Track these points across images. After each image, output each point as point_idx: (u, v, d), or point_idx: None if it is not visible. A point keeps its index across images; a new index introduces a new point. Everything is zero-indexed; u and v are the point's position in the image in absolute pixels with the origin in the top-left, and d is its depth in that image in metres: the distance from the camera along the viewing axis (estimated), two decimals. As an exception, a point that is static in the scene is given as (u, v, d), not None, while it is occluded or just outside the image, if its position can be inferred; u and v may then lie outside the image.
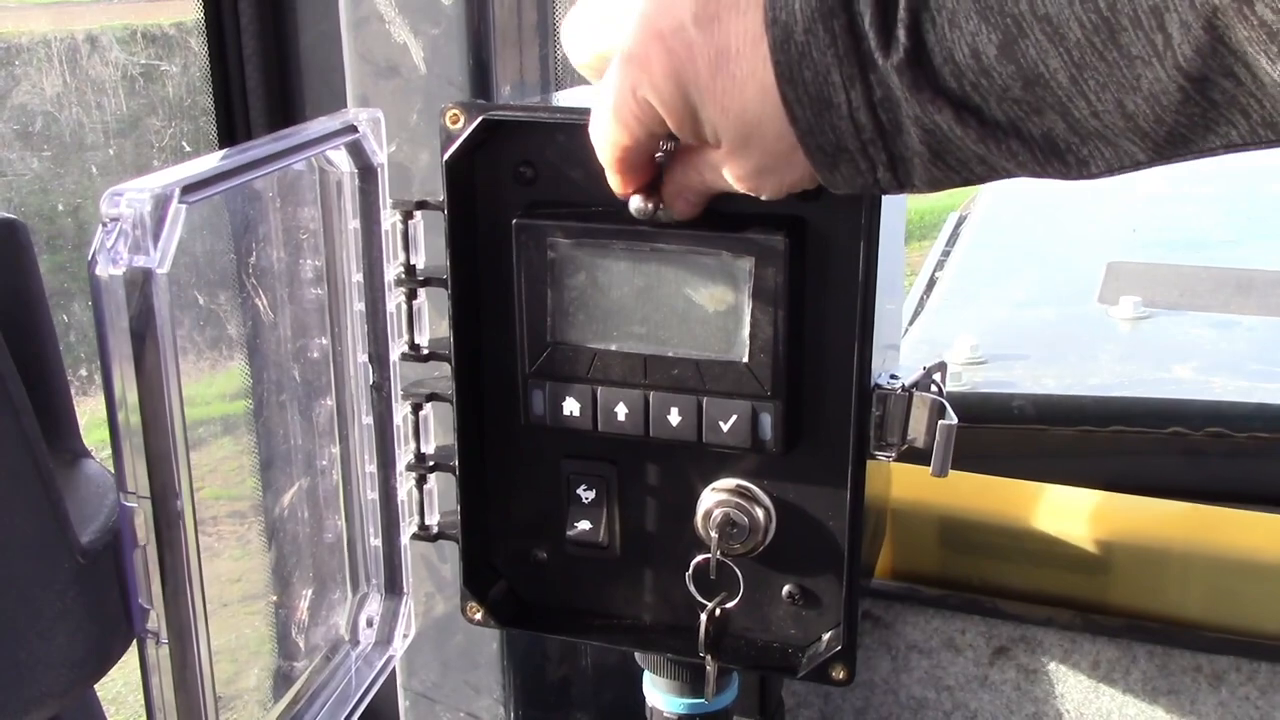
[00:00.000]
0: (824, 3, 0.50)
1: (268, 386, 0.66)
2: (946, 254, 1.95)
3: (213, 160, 0.54)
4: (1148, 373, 1.29)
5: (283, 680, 0.69)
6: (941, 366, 0.70)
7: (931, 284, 1.85)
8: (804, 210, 0.65)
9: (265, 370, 0.66)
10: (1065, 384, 1.24)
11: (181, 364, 0.51)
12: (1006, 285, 1.61)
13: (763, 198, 0.58)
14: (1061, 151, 0.49)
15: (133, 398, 0.49)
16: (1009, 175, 0.51)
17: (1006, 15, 0.46)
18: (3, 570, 0.47)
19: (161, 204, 0.48)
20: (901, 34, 0.48)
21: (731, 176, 0.58)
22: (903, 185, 0.53)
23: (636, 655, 0.78)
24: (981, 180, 0.53)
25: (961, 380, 1.23)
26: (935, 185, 0.53)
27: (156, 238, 0.48)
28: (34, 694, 0.49)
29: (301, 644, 0.70)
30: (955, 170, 0.51)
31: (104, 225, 0.48)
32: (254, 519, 0.70)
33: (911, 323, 1.51)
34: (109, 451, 0.52)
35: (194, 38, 0.90)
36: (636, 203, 0.63)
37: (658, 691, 0.79)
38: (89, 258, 0.49)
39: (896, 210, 0.69)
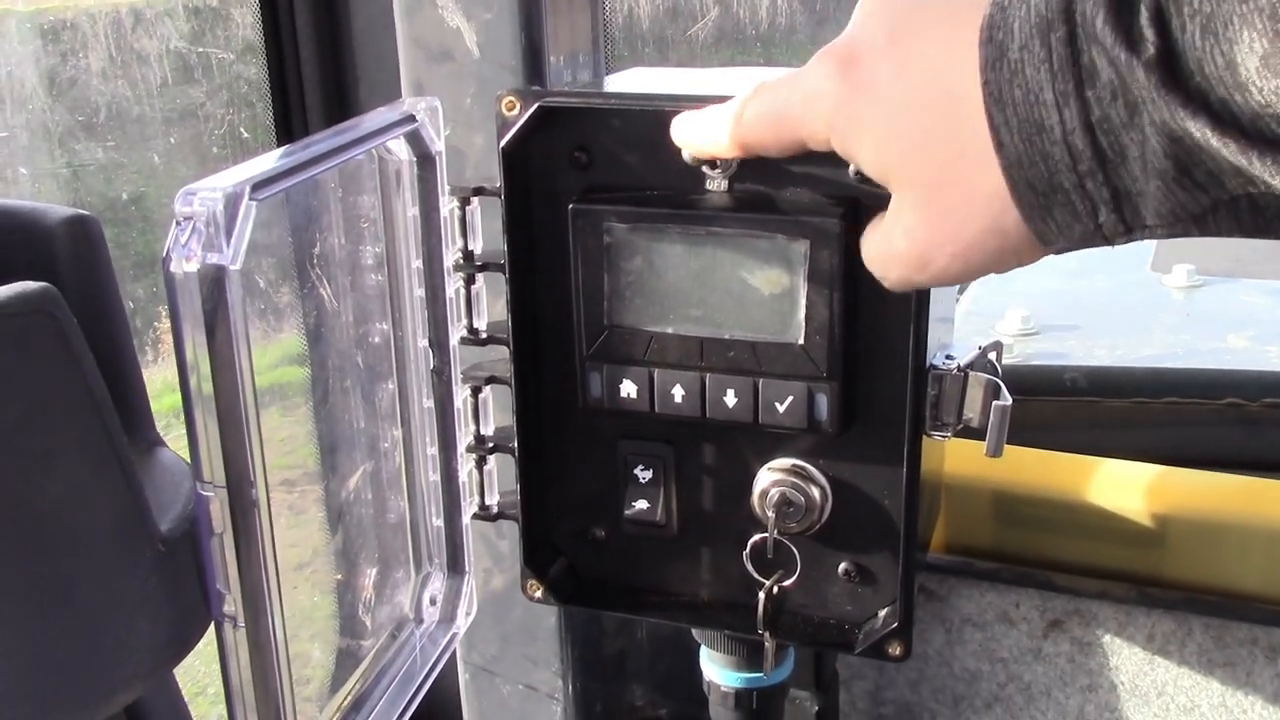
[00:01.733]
0: (1042, 16, 0.45)
1: (332, 372, 0.68)
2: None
3: (278, 156, 0.55)
4: (1202, 342, 1.28)
5: (350, 659, 0.71)
6: (997, 345, 0.70)
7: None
8: (859, 192, 0.65)
9: (329, 357, 0.67)
10: (1118, 355, 1.23)
11: (252, 352, 0.52)
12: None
13: (921, 275, 0.52)
14: None
15: (208, 391, 0.50)
16: (1271, 193, 0.43)
17: (1277, 19, 0.39)
18: (90, 560, 0.49)
19: (233, 202, 0.49)
20: (1149, 34, 0.42)
21: (900, 237, 0.52)
22: (1131, 229, 0.46)
23: (694, 631, 0.79)
24: (1232, 209, 0.44)
25: (1013, 352, 1.23)
26: (1172, 221, 0.45)
27: (229, 235, 0.49)
28: (120, 678, 0.51)
29: (368, 623, 0.72)
30: (1204, 189, 0.44)
31: (178, 223, 0.49)
32: (307, 486, 0.71)
33: (961, 294, 1.50)
34: (179, 429, 0.54)
35: (249, 18, 0.91)
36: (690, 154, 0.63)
37: (715, 666, 0.80)
38: (163, 254, 0.50)
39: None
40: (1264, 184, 0.43)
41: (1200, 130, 0.42)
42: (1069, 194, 0.46)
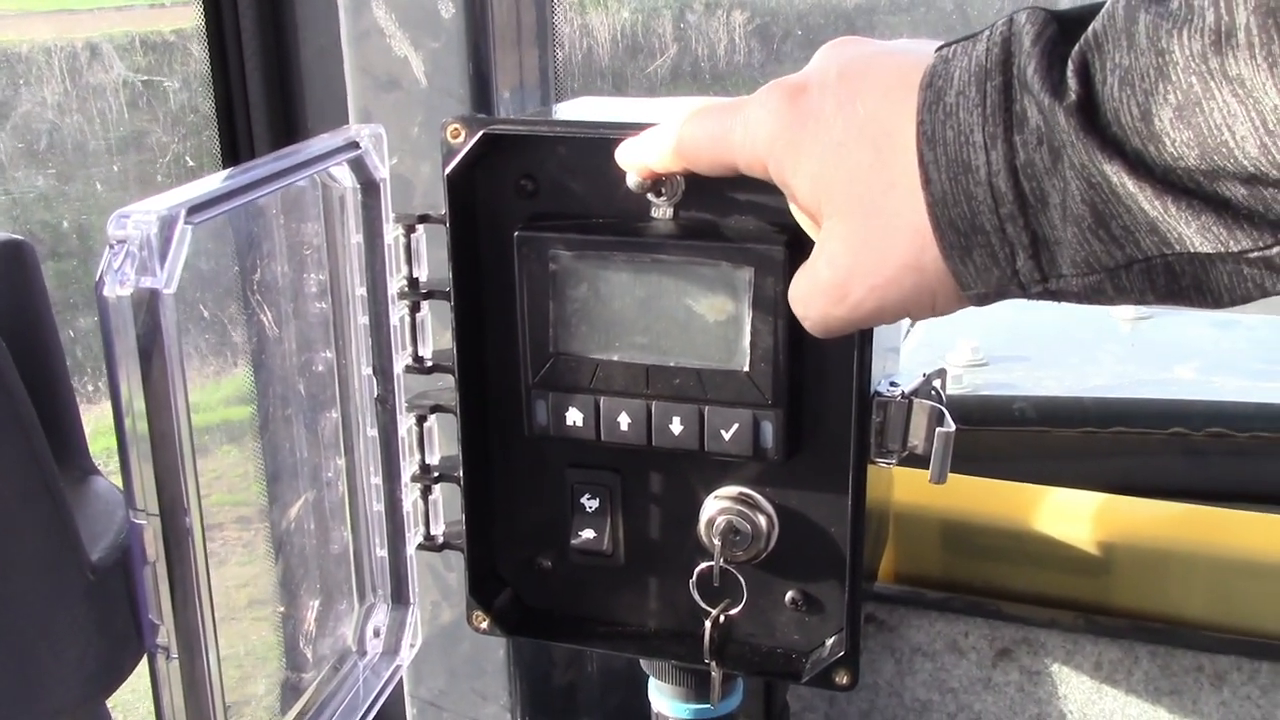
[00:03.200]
0: (981, 66, 0.47)
1: (273, 400, 0.67)
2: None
3: (217, 180, 0.55)
4: (1149, 373, 1.29)
5: (291, 691, 0.69)
6: (941, 373, 0.71)
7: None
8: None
9: (271, 384, 0.67)
10: (1067, 385, 1.24)
11: (188, 378, 0.52)
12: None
13: (839, 309, 0.53)
14: (1231, 226, 0.42)
15: (141, 416, 0.49)
16: (1184, 250, 0.44)
17: (1192, 73, 0.41)
18: (15, 587, 0.48)
19: (168, 225, 0.49)
20: (1073, 83, 0.44)
21: (824, 267, 0.53)
22: (1046, 278, 0.47)
23: (642, 662, 0.79)
24: (1146, 269, 0.45)
25: (963, 383, 1.24)
26: (1087, 272, 0.46)
27: (163, 258, 0.48)
28: (46, 708, 0.49)
29: (309, 655, 0.71)
30: (1119, 243, 0.45)
31: (111, 247, 0.48)
32: (259, 525, 0.70)
33: (912, 326, 1.51)
34: (117, 462, 0.53)
35: (195, 45, 0.91)
36: (634, 178, 0.63)
37: (663, 697, 0.80)
38: (96, 278, 0.49)
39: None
40: (1178, 242, 0.44)
41: (1117, 175, 0.43)
42: (989, 236, 0.47)
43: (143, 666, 0.56)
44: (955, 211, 0.47)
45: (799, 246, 0.65)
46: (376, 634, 0.74)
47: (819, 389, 0.68)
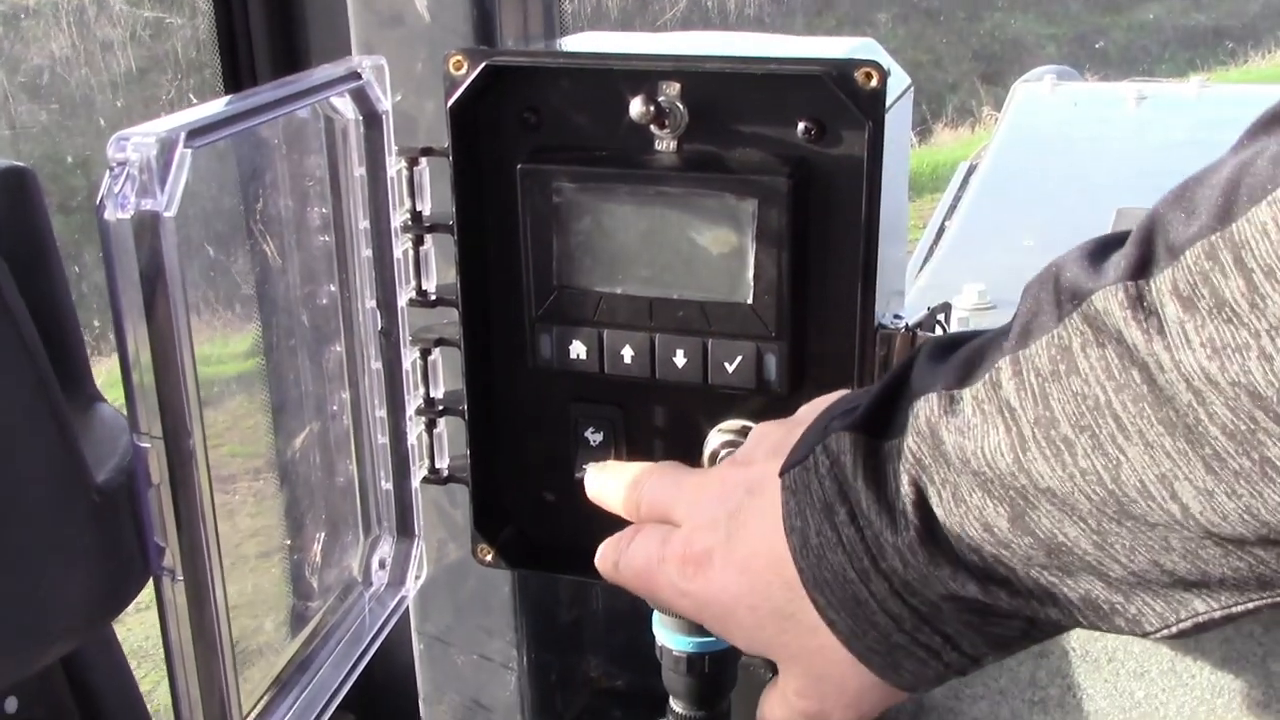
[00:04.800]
0: (824, 501, 0.50)
1: (278, 332, 0.67)
2: (956, 202, 1.94)
3: (218, 105, 0.54)
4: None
5: (298, 620, 0.70)
6: (946, 307, 0.71)
7: (940, 232, 1.85)
8: (807, 151, 0.65)
9: (275, 316, 0.67)
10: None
11: (192, 313, 0.52)
12: (1015, 231, 1.61)
13: None
14: (1107, 614, 0.45)
15: (143, 338, 0.49)
16: (1074, 626, 0.47)
17: (1009, 489, 0.44)
18: (21, 508, 0.48)
19: (167, 148, 0.49)
20: (909, 511, 0.47)
21: (795, 699, 0.55)
22: (976, 659, 0.50)
23: (645, 595, 0.79)
24: (1048, 625, 0.48)
25: (969, 325, 1.23)
26: (1006, 645, 0.49)
27: (163, 182, 0.48)
28: (55, 628, 0.50)
29: (315, 584, 0.71)
30: (1009, 618, 0.48)
31: (111, 170, 0.48)
32: (271, 475, 0.71)
33: (921, 269, 1.51)
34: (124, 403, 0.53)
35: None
36: (638, 109, 0.64)
37: (666, 630, 0.80)
38: (96, 202, 0.49)
39: (899, 153, 0.70)
40: (1059, 624, 0.47)
41: (973, 595, 0.46)
42: (907, 649, 0.50)
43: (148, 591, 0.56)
44: (868, 641, 0.50)
45: (803, 178, 0.65)
46: (382, 565, 0.75)
47: (823, 322, 0.68)
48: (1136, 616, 0.44)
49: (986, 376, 0.45)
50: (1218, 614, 0.43)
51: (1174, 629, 0.44)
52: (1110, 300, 0.40)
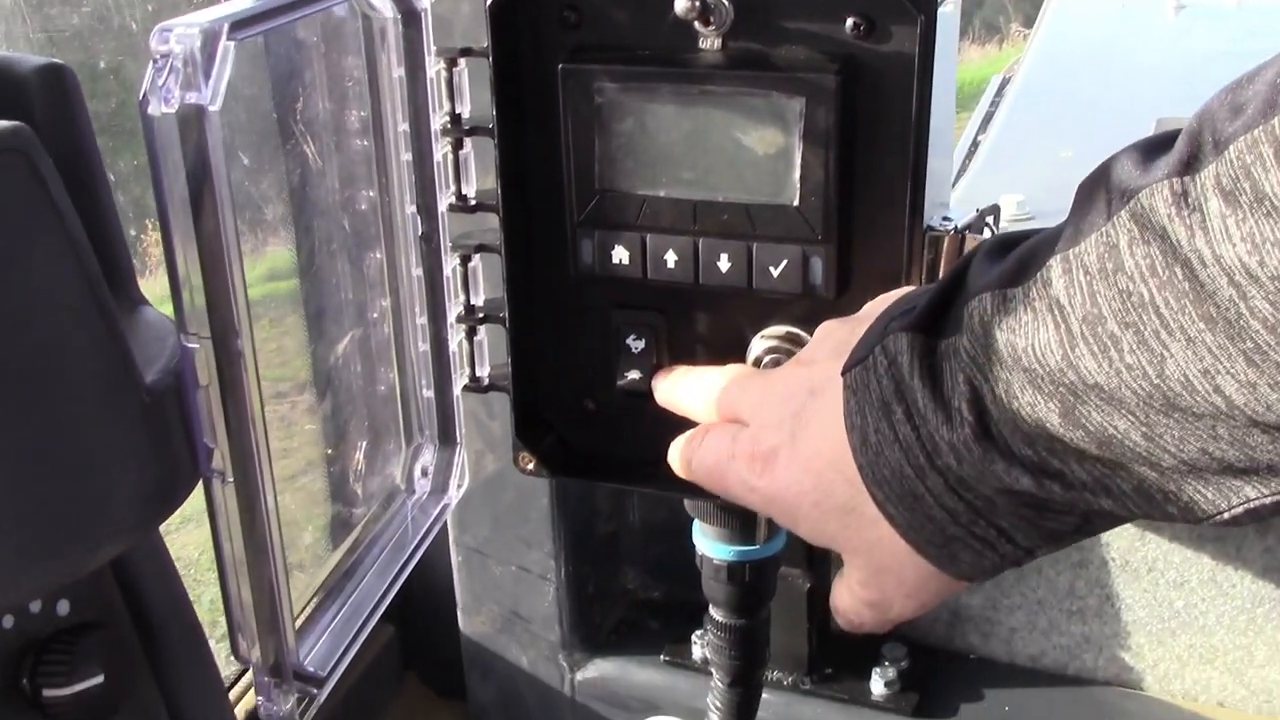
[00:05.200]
0: (882, 399, 0.50)
1: (318, 237, 0.66)
2: (990, 115, 1.91)
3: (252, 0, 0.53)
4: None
5: (342, 527, 0.70)
6: (995, 209, 0.70)
7: (974, 147, 1.82)
8: (855, 48, 0.63)
9: (315, 220, 0.66)
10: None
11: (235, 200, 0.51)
12: (1052, 143, 1.59)
13: (890, 617, 0.57)
14: (1160, 502, 0.45)
15: (190, 237, 0.49)
16: (1128, 516, 0.48)
17: (1059, 385, 0.44)
18: (72, 408, 0.48)
19: (211, 40, 0.48)
20: (964, 408, 0.47)
21: (859, 589, 0.57)
22: (1031, 550, 0.51)
23: (685, 503, 0.79)
24: (1102, 516, 0.49)
25: (1008, 236, 1.22)
26: (1059, 538, 0.50)
27: (208, 74, 0.47)
28: (107, 529, 0.50)
29: (359, 492, 0.71)
30: (1065, 513, 0.49)
31: (154, 62, 0.47)
32: (298, 398, 0.70)
33: (956, 182, 1.48)
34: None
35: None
36: (682, 4, 0.63)
37: (707, 539, 0.80)
38: (139, 97, 0.49)
39: (948, 58, 0.68)
40: (1114, 515, 0.47)
41: (1028, 489, 0.47)
42: (963, 541, 0.51)
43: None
44: (925, 533, 0.51)
45: (852, 75, 0.63)
46: (424, 473, 0.75)
47: (870, 224, 0.67)
48: (1189, 504, 0.44)
49: (1038, 275, 0.45)
50: (1268, 500, 0.43)
51: (1226, 515, 0.44)
52: (1156, 197, 0.41)
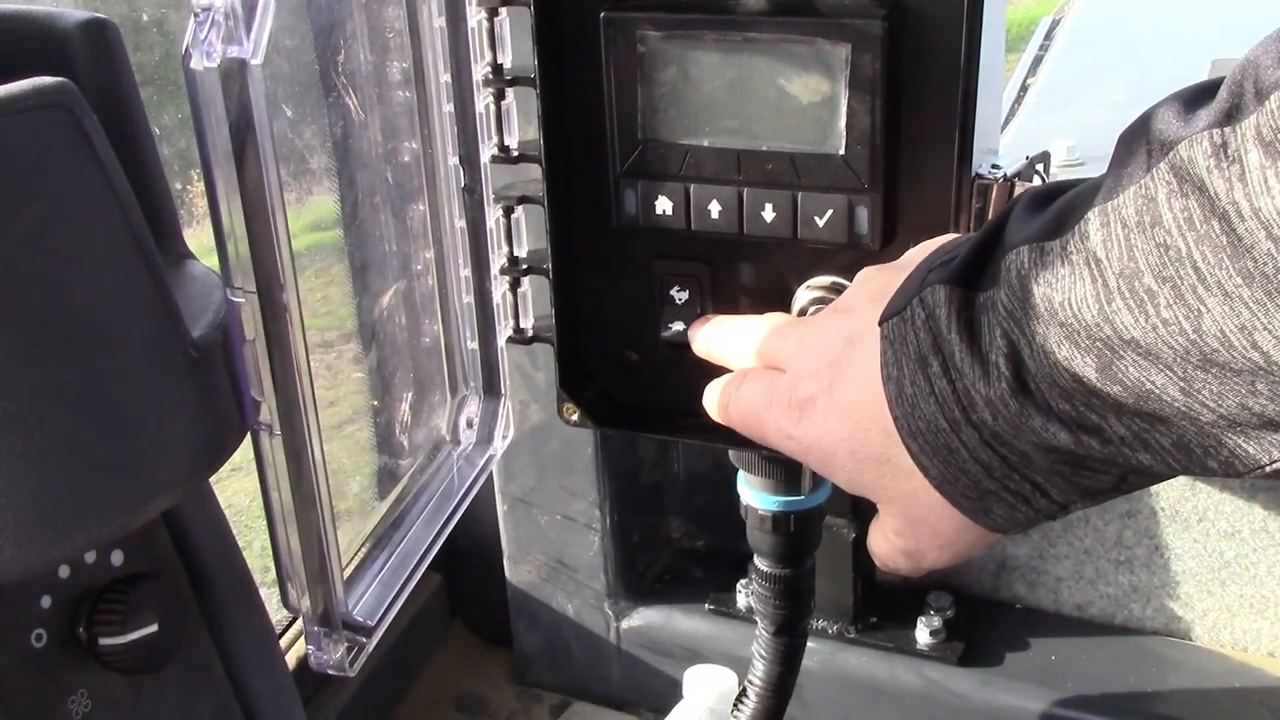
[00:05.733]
0: (919, 353, 0.50)
1: (361, 189, 0.66)
2: (1040, 57, 1.88)
3: (297, -49, 0.53)
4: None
5: (389, 477, 0.71)
6: (1045, 156, 0.68)
7: (1024, 90, 1.79)
8: (901, -10, 0.62)
9: (358, 173, 0.66)
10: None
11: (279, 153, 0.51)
12: (1104, 86, 1.55)
13: (924, 565, 0.57)
14: (1200, 457, 0.44)
15: (234, 191, 0.49)
16: (1166, 473, 0.47)
17: (1096, 340, 0.43)
18: (122, 362, 0.48)
19: (251, -8, 0.47)
20: (1001, 363, 0.47)
21: (893, 538, 0.57)
22: (1065, 505, 0.51)
23: (730, 454, 0.79)
24: (1139, 474, 0.48)
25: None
26: (1094, 494, 0.50)
27: (249, 28, 0.47)
28: (157, 482, 0.51)
29: (405, 443, 0.72)
30: (1102, 471, 0.48)
31: (196, 15, 0.47)
32: (343, 346, 0.71)
33: (1004, 128, 1.46)
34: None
35: None
36: None
37: (752, 490, 0.80)
38: (181, 52, 0.48)
39: (996, 2, 0.67)
40: (1152, 470, 0.47)
41: (1067, 445, 0.46)
42: (998, 495, 0.51)
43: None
44: (959, 486, 0.51)
45: (899, 21, 0.62)
46: (470, 425, 0.75)
47: (917, 172, 0.66)
48: (1229, 459, 0.44)
49: (1076, 228, 0.44)
50: None
51: (1267, 469, 0.44)
52: (1195, 149, 0.40)
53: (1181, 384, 0.42)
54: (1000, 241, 0.49)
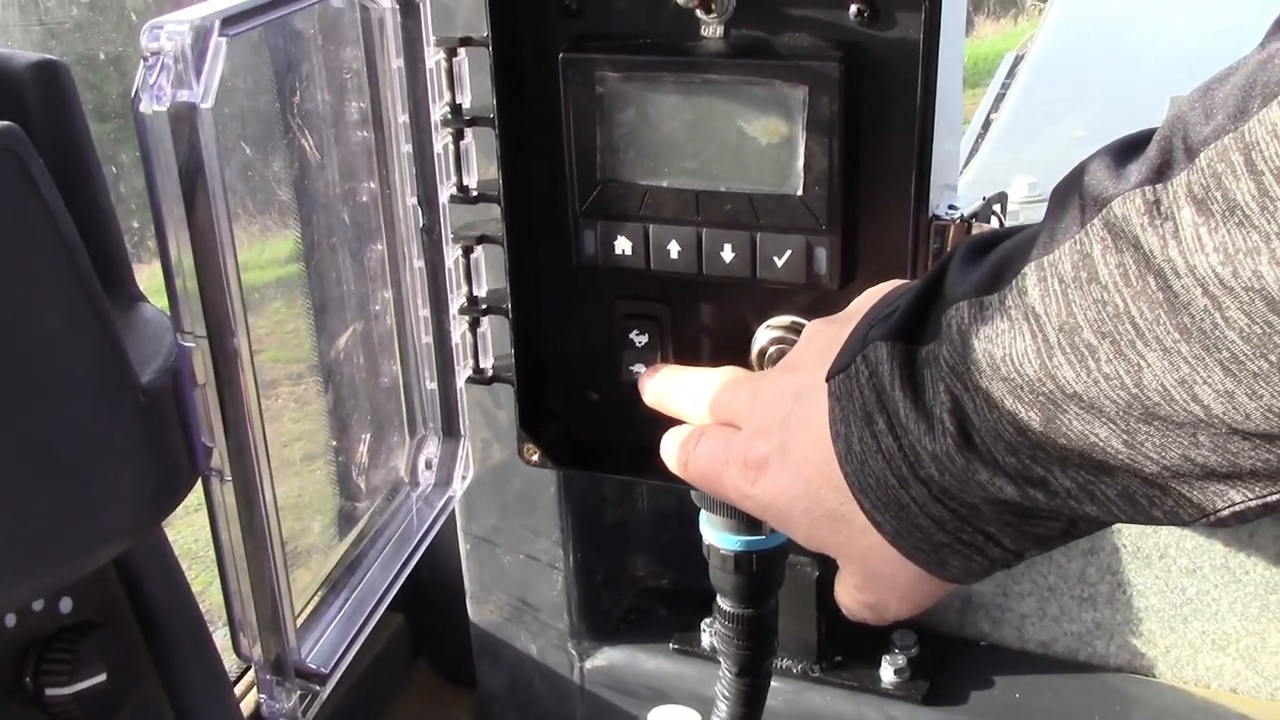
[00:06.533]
0: (864, 409, 0.50)
1: (318, 230, 0.66)
2: (1003, 94, 1.90)
3: (251, -7, 0.52)
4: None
5: (346, 520, 0.70)
6: (1001, 197, 0.69)
7: (987, 125, 1.80)
8: (860, 36, 0.62)
9: (315, 214, 0.65)
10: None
11: (235, 213, 0.51)
12: (1065, 122, 1.57)
13: (888, 617, 0.57)
14: (1145, 507, 0.45)
15: (184, 236, 0.48)
16: (1113, 521, 0.48)
17: (1038, 394, 0.44)
18: (68, 408, 0.48)
19: (202, 36, 0.47)
20: (945, 418, 0.47)
21: (855, 592, 0.57)
22: (1019, 553, 0.51)
23: (692, 494, 0.79)
24: (1087, 522, 0.49)
25: (1019, 218, 1.21)
26: (1045, 542, 0.50)
27: (199, 72, 0.47)
28: (105, 529, 0.50)
29: (363, 485, 0.71)
30: (1050, 518, 0.48)
31: (145, 60, 0.47)
32: (312, 379, 0.70)
33: (967, 163, 1.47)
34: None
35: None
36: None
37: (714, 529, 0.79)
38: (131, 95, 0.48)
39: (955, 39, 0.67)
40: (1098, 520, 0.47)
41: (1012, 498, 0.46)
42: (952, 547, 0.51)
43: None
44: (913, 540, 0.51)
45: (856, 63, 0.62)
46: (428, 466, 0.74)
47: (875, 213, 0.66)
48: (1174, 509, 0.44)
49: (1014, 283, 0.45)
50: (1254, 503, 0.43)
51: (1212, 518, 0.44)
52: (1129, 206, 0.40)
53: (1125, 437, 0.42)
54: (940, 294, 0.49)
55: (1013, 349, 0.44)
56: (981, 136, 1.72)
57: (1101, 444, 0.43)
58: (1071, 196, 0.43)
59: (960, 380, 0.46)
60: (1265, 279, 0.37)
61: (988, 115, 1.88)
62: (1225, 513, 0.43)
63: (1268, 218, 0.36)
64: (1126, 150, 0.42)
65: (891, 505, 0.50)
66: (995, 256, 0.47)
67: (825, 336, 0.57)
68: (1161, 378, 0.40)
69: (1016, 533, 0.49)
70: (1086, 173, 0.43)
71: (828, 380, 0.53)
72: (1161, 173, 0.40)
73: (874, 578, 0.55)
